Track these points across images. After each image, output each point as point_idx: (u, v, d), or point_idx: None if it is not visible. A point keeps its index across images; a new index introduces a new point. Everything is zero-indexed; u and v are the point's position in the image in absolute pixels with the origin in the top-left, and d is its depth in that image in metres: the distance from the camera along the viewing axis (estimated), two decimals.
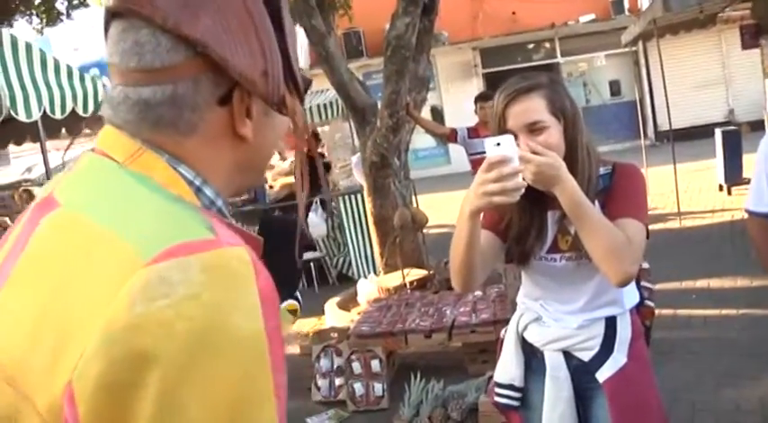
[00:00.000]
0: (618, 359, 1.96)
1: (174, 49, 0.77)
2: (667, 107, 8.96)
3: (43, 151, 5.99)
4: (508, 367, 2.13)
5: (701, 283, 6.14)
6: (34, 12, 14.89)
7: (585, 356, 1.98)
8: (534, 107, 1.85)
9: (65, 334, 0.65)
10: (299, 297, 1.29)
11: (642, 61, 18.18)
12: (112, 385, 0.63)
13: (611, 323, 1.98)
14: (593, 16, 17.82)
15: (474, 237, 1.80)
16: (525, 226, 1.97)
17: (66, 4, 12.17)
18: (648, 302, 2.14)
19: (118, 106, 0.80)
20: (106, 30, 0.82)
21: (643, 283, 2.14)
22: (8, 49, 5.00)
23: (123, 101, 0.79)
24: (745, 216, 2.49)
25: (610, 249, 1.78)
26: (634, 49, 17.23)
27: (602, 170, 1.95)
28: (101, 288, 0.65)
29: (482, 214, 1.85)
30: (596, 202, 1.88)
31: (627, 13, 17.56)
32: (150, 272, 0.65)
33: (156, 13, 0.76)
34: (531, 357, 2.10)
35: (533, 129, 1.84)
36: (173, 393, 0.63)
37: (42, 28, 12.36)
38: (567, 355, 2.01)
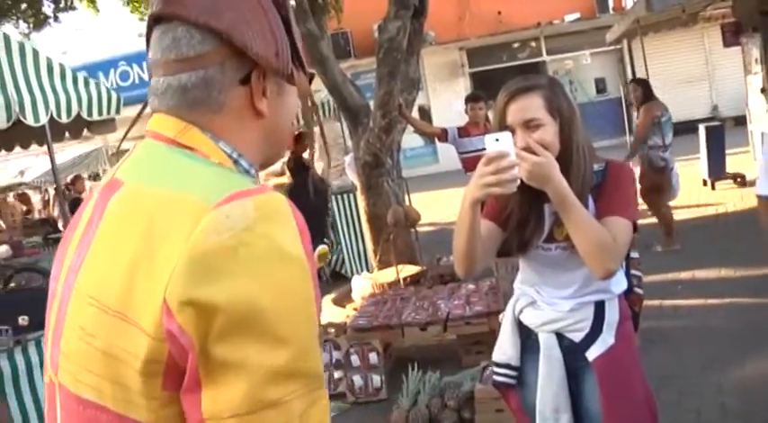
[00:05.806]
0: (606, 339, 2.11)
1: (203, 41, 0.96)
2: None
3: (51, 154, 6.14)
4: (505, 348, 2.29)
5: (686, 275, 6.34)
6: (20, 16, 14.91)
7: (576, 337, 2.14)
8: (532, 105, 2.01)
9: (155, 269, 0.84)
10: (327, 241, 1.53)
11: (627, 59, 18.37)
12: (196, 294, 0.81)
13: (599, 307, 2.14)
14: (578, 15, 17.99)
15: (475, 225, 1.97)
16: (524, 217, 2.12)
17: (53, 7, 12.16)
18: (637, 290, 2.30)
19: (163, 95, 0.98)
20: (148, 36, 1.02)
21: (633, 272, 2.30)
22: (17, 55, 5.13)
23: (166, 89, 0.98)
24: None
25: (594, 246, 1.94)
26: (619, 46, 17.45)
27: (595, 167, 2.11)
28: (179, 230, 0.84)
29: (485, 205, 2.00)
30: (590, 198, 2.05)
31: (611, 11, 17.74)
32: (218, 212, 0.84)
33: (189, 13, 0.96)
34: (527, 339, 2.26)
35: (530, 125, 2.00)
36: (241, 294, 0.82)
37: (29, 32, 12.37)
38: (560, 336, 2.17)
